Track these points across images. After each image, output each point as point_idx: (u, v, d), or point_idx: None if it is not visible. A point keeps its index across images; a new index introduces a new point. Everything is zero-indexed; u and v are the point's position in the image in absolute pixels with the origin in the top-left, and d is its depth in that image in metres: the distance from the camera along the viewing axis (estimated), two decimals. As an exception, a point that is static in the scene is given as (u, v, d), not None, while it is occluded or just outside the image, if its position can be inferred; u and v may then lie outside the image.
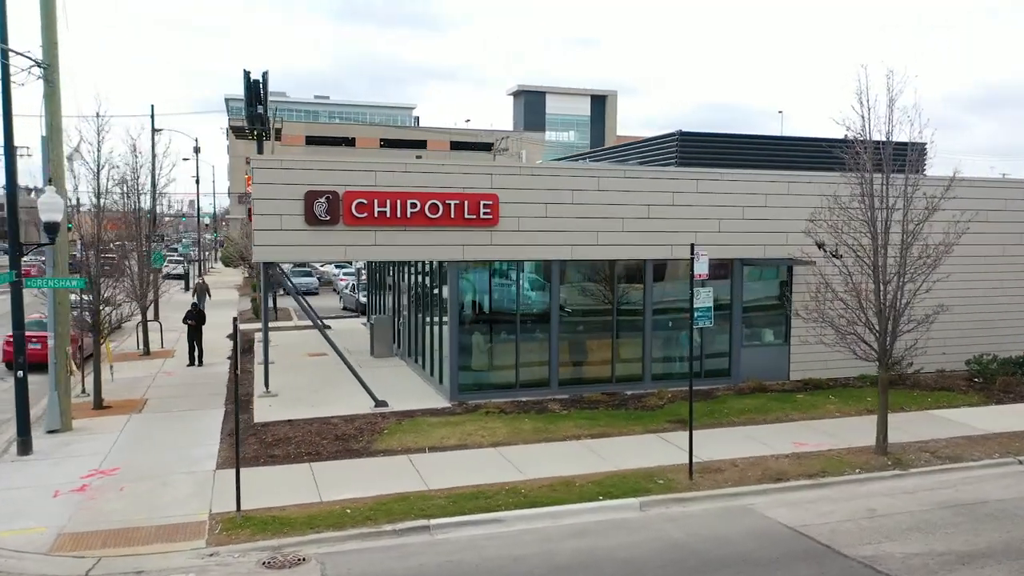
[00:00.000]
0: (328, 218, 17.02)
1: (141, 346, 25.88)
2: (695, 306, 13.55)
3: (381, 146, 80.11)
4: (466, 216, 17.80)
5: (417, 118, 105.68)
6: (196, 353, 23.95)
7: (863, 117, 14.23)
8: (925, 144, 23.52)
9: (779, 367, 20.73)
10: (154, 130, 37.49)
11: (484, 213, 17.91)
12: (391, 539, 11.38)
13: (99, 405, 18.25)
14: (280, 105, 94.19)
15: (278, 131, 57.59)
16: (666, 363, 20.31)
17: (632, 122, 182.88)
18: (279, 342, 27.89)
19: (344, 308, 38.64)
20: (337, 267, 50.57)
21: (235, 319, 12.97)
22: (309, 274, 49.11)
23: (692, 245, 13.49)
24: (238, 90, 46.46)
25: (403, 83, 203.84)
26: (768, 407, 18.24)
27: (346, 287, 40.31)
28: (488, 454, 14.94)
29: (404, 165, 17.75)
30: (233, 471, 13.87)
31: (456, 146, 79.49)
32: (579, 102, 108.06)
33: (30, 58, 15.54)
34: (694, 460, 14.24)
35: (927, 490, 13.39)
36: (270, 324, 31.31)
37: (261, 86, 49.39)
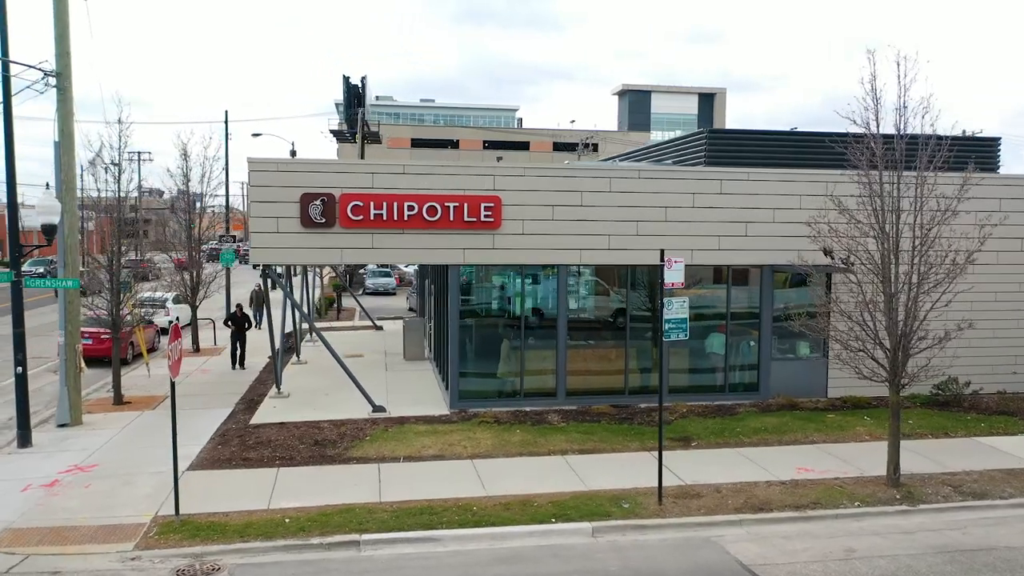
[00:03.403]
0: (324, 221, 16.90)
1: (191, 343, 26.75)
2: (666, 317, 12.49)
3: (484, 147, 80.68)
4: (466, 219, 17.26)
5: (520, 119, 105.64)
6: (239, 355, 24.25)
7: (867, 108, 12.70)
8: (998, 139, 21.26)
9: (815, 383, 19.04)
10: (227, 136, 39.01)
11: (485, 216, 17.31)
12: (316, 553, 11.03)
13: (119, 401, 18.89)
14: (386, 109, 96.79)
15: (376, 133, 58.87)
16: (686, 375, 19.08)
17: (754, 119, 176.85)
18: (326, 342, 28.19)
19: (410, 308, 38.94)
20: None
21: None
22: (388, 274, 49.81)
23: (662, 251, 12.43)
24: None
25: (520, 83, 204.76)
26: (789, 427, 16.75)
27: (414, 288, 40.55)
28: (462, 466, 14.37)
29: (402, 167, 17.40)
30: (201, 472, 14.13)
31: (559, 147, 78.94)
32: (686, 100, 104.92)
33: (41, 69, 16.22)
34: (675, 483, 13.29)
35: (930, 530, 11.81)
36: (328, 324, 32.04)
37: (360, 90, 50.55)
